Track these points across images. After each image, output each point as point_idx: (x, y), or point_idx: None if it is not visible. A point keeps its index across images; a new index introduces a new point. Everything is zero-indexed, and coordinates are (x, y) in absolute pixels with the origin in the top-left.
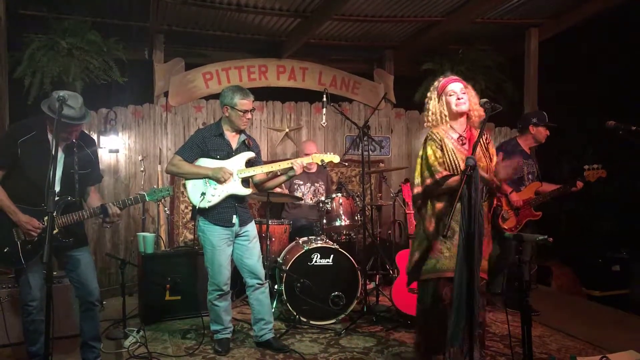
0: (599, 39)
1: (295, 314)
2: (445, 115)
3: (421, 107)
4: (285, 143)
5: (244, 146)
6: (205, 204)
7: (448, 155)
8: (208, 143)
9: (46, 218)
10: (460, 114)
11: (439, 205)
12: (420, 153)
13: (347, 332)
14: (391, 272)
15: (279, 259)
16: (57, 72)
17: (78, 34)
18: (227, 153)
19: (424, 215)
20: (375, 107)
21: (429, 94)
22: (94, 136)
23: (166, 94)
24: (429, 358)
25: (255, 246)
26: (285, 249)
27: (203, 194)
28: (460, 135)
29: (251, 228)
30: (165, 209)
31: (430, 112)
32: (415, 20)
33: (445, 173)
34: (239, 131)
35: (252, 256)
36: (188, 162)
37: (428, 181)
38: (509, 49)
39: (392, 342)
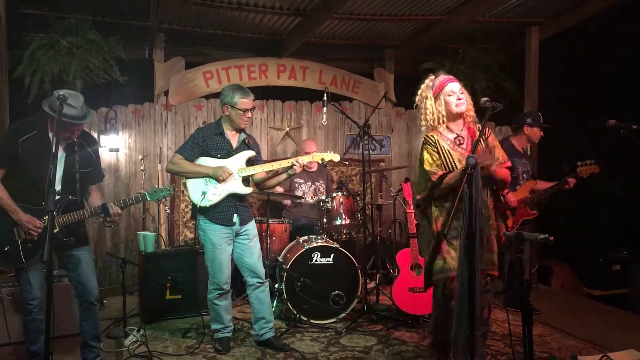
0: (599, 39)
1: (295, 312)
2: (443, 116)
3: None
4: (285, 142)
5: (245, 145)
6: (205, 203)
7: (444, 157)
8: (208, 142)
9: (47, 217)
10: (459, 115)
11: (447, 205)
12: (419, 158)
13: (348, 331)
14: (391, 271)
15: (279, 258)
16: (57, 71)
17: (78, 33)
18: (228, 152)
19: (430, 218)
20: (376, 106)
21: (422, 93)
22: (94, 135)
23: (166, 93)
24: (443, 358)
25: (255, 245)
26: (286, 248)
27: (204, 192)
28: (458, 135)
29: (251, 227)
30: (166, 208)
31: (428, 113)
32: (416, 19)
33: (440, 173)
34: (239, 130)
35: (253, 255)
36: (188, 161)
37: (428, 184)
38: (510, 48)
39: (393, 341)
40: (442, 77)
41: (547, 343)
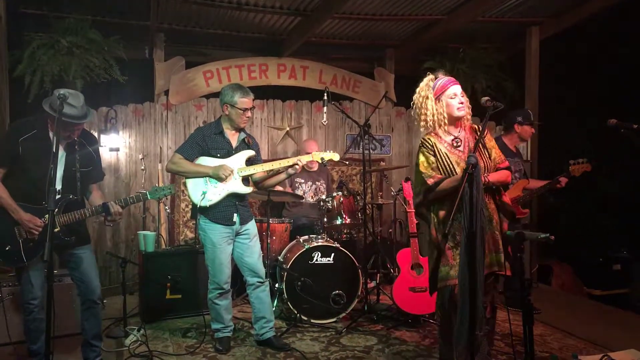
0: (599, 39)
1: (296, 312)
2: (445, 118)
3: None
4: (285, 142)
5: (244, 144)
6: (205, 203)
7: (442, 159)
8: (208, 141)
9: (47, 216)
10: (459, 118)
11: (442, 213)
12: (415, 161)
13: (348, 331)
14: (392, 270)
15: (279, 258)
16: (57, 71)
17: (78, 33)
18: (227, 151)
19: (428, 222)
20: (376, 105)
21: (422, 93)
22: (95, 134)
23: (167, 93)
24: None
25: (255, 244)
26: (286, 248)
27: (204, 192)
28: (455, 138)
29: (251, 226)
30: (166, 207)
31: (429, 114)
32: (416, 19)
33: (437, 177)
34: (239, 130)
35: (253, 254)
36: (188, 161)
37: (423, 188)
38: (510, 48)
39: (393, 340)
40: (444, 78)
41: (547, 343)
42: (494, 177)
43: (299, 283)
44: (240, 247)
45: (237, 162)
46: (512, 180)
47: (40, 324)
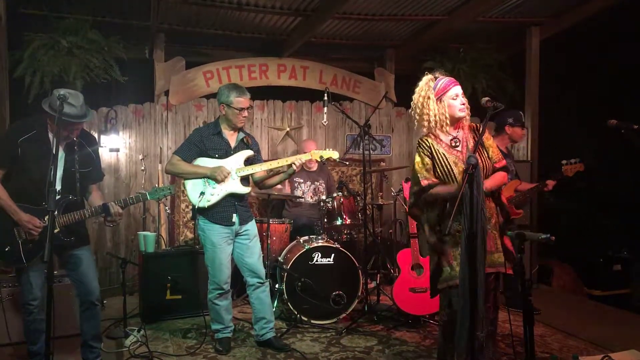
0: (599, 39)
1: (296, 313)
2: (447, 119)
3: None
4: (286, 142)
5: (243, 144)
6: (204, 204)
7: (439, 160)
8: (206, 142)
9: (47, 217)
10: (460, 118)
11: (432, 215)
12: (413, 161)
13: (348, 332)
14: (392, 271)
15: (279, 258)
16: (57, 71)
17: (78, 33)
18: (226, 152)
19: (422, 225)
20: (376, 106)
21: (422, 93)
22: (95, 135)
23: (167, 93)
24: None
25: (255, 245)
26: (286, 248)
27: (202, 193)
28: (454, 138)
29: (251, 227)
30: (166, 208)
31: (431, 115)
32: (417, 19)
33: (431, 181)
34: (238, 129)
35: (253, 255)
36: (186, 162)
37: (415, 189)
38: (510, 48)
39: (394, 341)
40: (445, 79)
41: (548, 343)
42: (489, 183)
43: (299, 284)
44: (240, 247)
45: (235, 162)
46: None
47: (40, 324)
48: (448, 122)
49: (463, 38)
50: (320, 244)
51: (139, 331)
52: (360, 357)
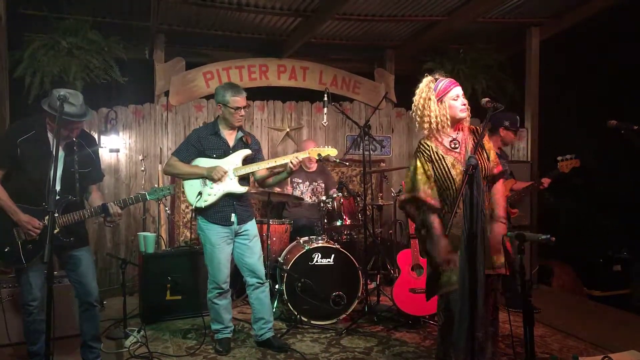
0: (599, 39)
1: (296, 313)
2: (448, 120)
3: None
4: (286, 142)
5: (242, 143)
6: (201, 204)
7: (437, 162)
8: (204, 142)
9: (47, 217)
10: (461, 119)
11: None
12: (411, 163)
13: (348, 332)
14: (392, 271)
15: (279, 259)
16: (57, 72)
17: (78, 34)
18: (224, 151)
19: (420, 225)
20: (376, 106)
21: (423, 95)
22: (95, 136)
23: (167, 94)
24: None
25: (255, 245)
26: (286, 249)
27: (200, 193)
28: (453, 139)
29: (251, 227)
30: (166, 208)
31: (432, 116)
32: (416, 20)
33: (429, 201)
34: (236, 128)
35: (252, 255)
36: (184, 162)
37: (413, 195)
38: (510, 48)
39: (394, 342)
40: (445, 80)
41: (548, 344)
42: (502, 205)
43: (299, 284)
44: (240, 247)
45: (232, 162)
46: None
47: (39, 325)
48: (449, 123)
49: (463, 39)
50: (320, 245)
51: (138, 332)
52: (360, 358)
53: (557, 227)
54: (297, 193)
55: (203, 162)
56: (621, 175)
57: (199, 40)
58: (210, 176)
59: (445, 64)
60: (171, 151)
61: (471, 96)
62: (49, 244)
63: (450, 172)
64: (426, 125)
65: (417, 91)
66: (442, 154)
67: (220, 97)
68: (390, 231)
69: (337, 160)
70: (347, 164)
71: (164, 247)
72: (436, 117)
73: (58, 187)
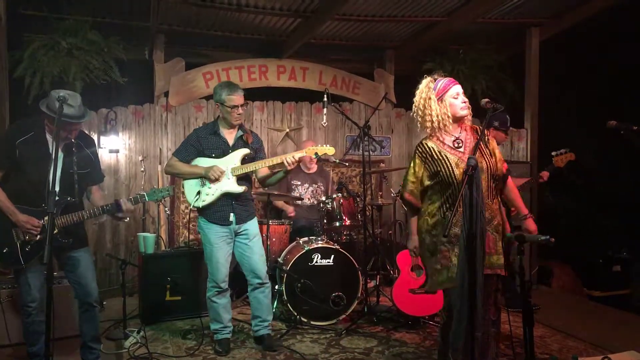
0: (599, 39)
1: (295, 314)
2: (449, 118)
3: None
4: (285, 143)
5: (242, 142)
6: (199, 203)
7: (441, 161)
8: (203, 142)
9: (46, 218)
10: (461, 118)
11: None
12: (412, 160)
13: (348, 333)
14: (392, 272)
15: (279, 259)
16: (57, 72)
17: (78, 34)
18: (223, 151)
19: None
20: (376, 107)
21: (423, 95)
22: (94, 136)
23: (166, 94)
24: None
25: (255, 244)
26: (286, 249)
27: (198, 193)
28: (456, 139)
29: (251, 226)
30: (166, 209)
31: (434, 115)
32: (416, 20)
33: (414, 201)
34: (236, 127)
35: (252, 255)
36: (184, 162)
37: (404, 191)
38: (510, 49)
39: (393, 342)
40: (444, 79)
41: (547, 344)
42: (519, 199)
43: (299, 285)
44: (240, 247)
45: (231, 161)
46: None
47: (39, 326)
48: (450, 121)
49: (463, 39)
50: (319, 245)
51: (138, 332)
52: (359, 358)
53: (557, 227)
54: (296, 194)
55: (203, 162)
56: (621, 175)
57: (199, 41)
58: (207, 176)
59: (445, 65)
60: (171, 152)
61: (471, 97)
62: (48, 245)
63: (453, 171)
64: (428, 125)
65: (417, 92)
66: (446, 153)
67: (218, 96)
68: (390, 232)
69: (337, 161)
70: (347, 164)
71: (163, 248)
72: (437, 116)
73: (57, 188)
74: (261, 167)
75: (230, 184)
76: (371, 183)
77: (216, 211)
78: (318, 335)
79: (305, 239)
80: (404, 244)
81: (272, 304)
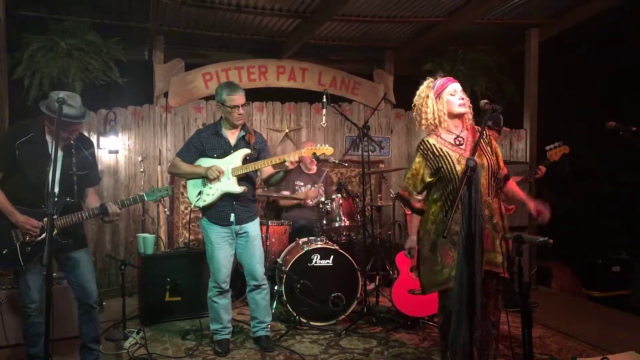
0: (599, 39)
1: (295, 314)
2: (445, 114)
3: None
4: (285, 143)
5: (244, 142)
6: (200, 203)
7: (442, 158)
8: (205, 143)
9: (46, 219)
10: (459, 115)
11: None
12: (413, 158)
13: (347, 333)
14: (391, 272)
15: (278, 260)
16: (56, 73)
17: (77, 35)
18: (224, 151)
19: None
20: (375, 107)
21: (421, 93)
22: (94, 137)
23: (166, 95)
24: None
25: (255, 246)
26: (285, 250)
27: (200, 192)
28: (457, 136)
29: (251, 228)
30: (165, 209)
31: (429, 112)
32: (416, 21)
33: (415, 201)
34: (238, 127)
35: (251, 257)
36: (186, 163)
37: (404, 186)
38: (509, 49)
39: (393, 343)
40: (444, 78)
41: (546, 345)
42: (528, 197)
43: (298, 285)
44: (240, 247)
45: (231, 161)
46: None
47: (38, 327)
48: (446, 117)
49: (462, 40)
50: (319, 246)
51: (138, 333)
52: (359, 359)
53: (557, 227)
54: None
55: (205, 163)
56: (621, 175)
57: (198, 42)
58: (206, 175)
59: (445, 65)
60: (170, 152)
61: (470, 97)
62: (47, 247)
63: (455, 167)
64: (424, 122)
65: (418, 92)
66: (447, 150)
67: (219, 96)
68: (389, 232)
69: (336, 161)
70: (346, 164)
71: (163, 249)
72: (433, 113)
73: (56, 189)
74: (260, 168)
75: (230, 184)
76: (370, 183)
77: (217, 211)
78: (317, 336)
79: (305, 239)
80: (403, 244)
81: (272, 304)
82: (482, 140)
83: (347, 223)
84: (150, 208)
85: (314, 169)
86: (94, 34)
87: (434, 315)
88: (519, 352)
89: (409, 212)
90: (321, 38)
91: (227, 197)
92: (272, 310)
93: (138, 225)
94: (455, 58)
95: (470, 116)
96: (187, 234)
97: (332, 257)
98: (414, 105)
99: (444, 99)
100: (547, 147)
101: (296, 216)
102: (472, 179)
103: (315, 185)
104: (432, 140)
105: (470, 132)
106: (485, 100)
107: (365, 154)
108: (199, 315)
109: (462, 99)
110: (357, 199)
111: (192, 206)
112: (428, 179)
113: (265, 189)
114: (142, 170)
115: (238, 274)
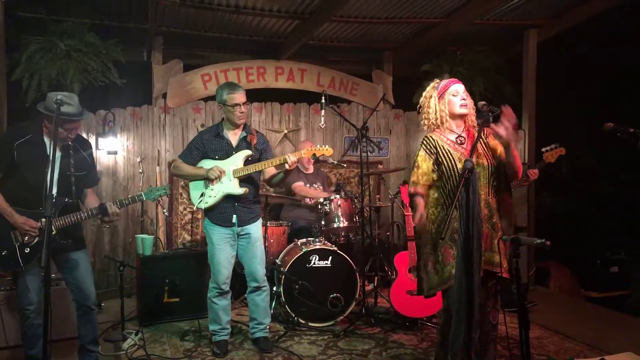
0: (599, 39)
1: (293, 315)
2: (446, 114)
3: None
4: (284, 144)
5: (245, 143)
6: (202, 205)
7: (444, 157)
8: (207, 145)
9: (44, 220)
10: (461, 116)
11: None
12: (416, 157)
13: (346, 334)
14: (390, 273)
15: (277, 261)
16: (55, 74)
17: (76, 36)
18: (226, 152)
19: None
20: (374, 108)
21: (426, 94)
22: (92, 138)
23: (164, 96)
24: None
25: (256, 248)
26: (284, 251)
27: (202, 194)
28: (459, 136)
29: (253, 229)
30: (164, 210)
31: (431, 112)
32: (414, 22)
33: (418, 200)
34: (239, 127)
35: (251, 258)
36: (188, 164)
37: (410, 188)
38: (508, 50)
39: (391, 343)
40: (448, 79)
41: (544, 346)
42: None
43: (297, 286)
44: (241, 248)
45: (232, 163)
46: None
47: (37, 329)
48: (448, 117)
49: (461, 40)
50: (317, 247)
51: (136, 334)
52: None
53: (555, 228)
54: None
55: (207, 164)
56: (621, 175)
57: (197, 43)
58: (207, 176)
59: (443, 66)
60: (169, 153)
61: None
62: (45, 248)
63: (456, 166)
64: (426, 121)
65: (423, 93)
66: (449, 148)
67: (219, 96)
68: (388, 233)
69: (335, 162)
70: (345, 165)
71: (161, 250)
72: (435, 112)
73: (55, 190)
74: (260, 169)
75: (231, 186)
76: (369, 184)
77: (219, 213)
78: (316, 337)
79: (303, 240)
80: (402, 245)
81: (270, 305)
82: (480, 141)
83: (346, 224)
84: (149, 209)
85: (311, 168)
86: (92, 35)
87: (432, 316)
88: (516, 353)
89: (408, 213)
90: (320, 39)
91: (229, 198)
92: (270, 312)
93: (137, 226)
94: (453, 59)
95: (473, 117)
96: (185, 235)
97: (330, 258)
98: (419, 106)
99: (446, 100)
100: (544, 149)
101: (295, 217)
102: (469, 181)
103: (314, 185)
104: (434, 136)
105: (471, 132)
106: (483, 102)
107: (364, 154)
108: (198, 316)
109: (464, 99)
110: (355, 200)
111: (194, 208)
112: (432, 174)
113: (266, 190)
114: (140, 171)
115: (237, 275)
